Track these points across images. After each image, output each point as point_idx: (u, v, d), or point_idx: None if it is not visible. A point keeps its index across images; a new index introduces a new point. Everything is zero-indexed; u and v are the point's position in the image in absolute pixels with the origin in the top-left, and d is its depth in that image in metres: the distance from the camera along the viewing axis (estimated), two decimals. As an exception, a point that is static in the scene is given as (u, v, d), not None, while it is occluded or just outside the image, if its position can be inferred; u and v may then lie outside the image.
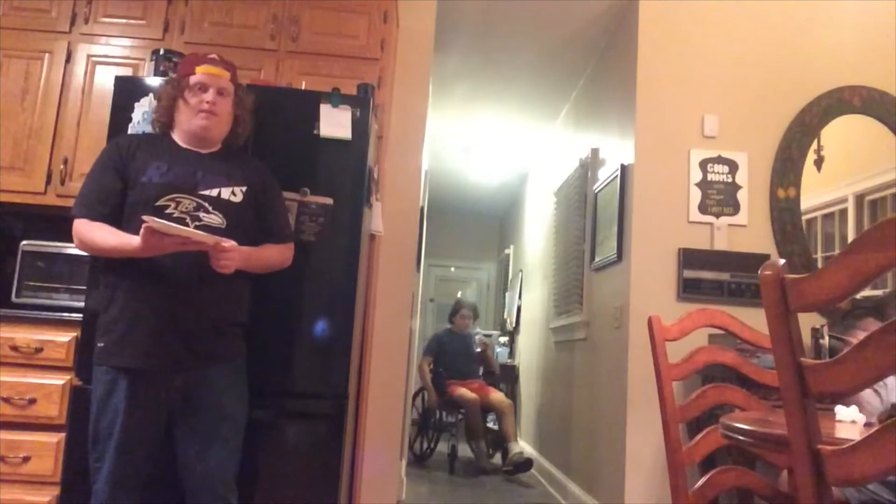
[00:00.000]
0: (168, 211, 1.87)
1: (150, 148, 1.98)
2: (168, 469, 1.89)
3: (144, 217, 1.72)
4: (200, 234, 1.78)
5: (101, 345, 1.87)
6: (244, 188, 2.01)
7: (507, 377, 6.35)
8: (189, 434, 1.88)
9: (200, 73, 1.99)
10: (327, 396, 2.28)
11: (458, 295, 8.96)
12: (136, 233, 1.76)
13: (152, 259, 1.81)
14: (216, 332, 1.93)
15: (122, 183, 1.92)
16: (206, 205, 1.93)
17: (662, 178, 3.19)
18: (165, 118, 2.03)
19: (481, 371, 5.74)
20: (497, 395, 5.35)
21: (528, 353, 5.84)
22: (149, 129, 2.28)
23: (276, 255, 2.08)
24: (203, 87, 1.98)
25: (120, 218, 1.89)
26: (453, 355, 5.53)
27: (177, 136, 2.03)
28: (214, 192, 1.95)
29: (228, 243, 1.83)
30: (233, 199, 1.97)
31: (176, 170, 1.93)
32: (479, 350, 5.66)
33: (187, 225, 1.86)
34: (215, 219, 1.93)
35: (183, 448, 1.88)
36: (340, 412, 2.28)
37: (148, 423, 1.84)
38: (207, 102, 1.96)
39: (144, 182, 1.90)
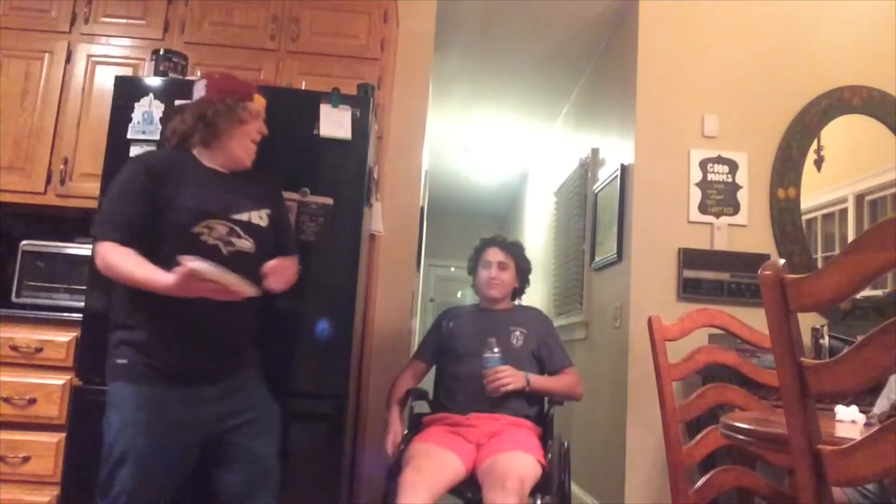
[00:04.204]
0: (203, 238, 1.82)
1: (177, 169, 1.89)
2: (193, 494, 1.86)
3: (182, 258, 1.63)
4: (241, 285, 1.72)
5: (123, 361, 1.79)
6: (268, 211, 1.99)
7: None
8: (228, 462, 1.86)
9: (259, 104, 2.00)
10: (327, 396, 2.28)
11: (458, 295, 8.86)
12: (166, 261, 1.69)
13: None
14: (240, 346, 1.93)
15: (152, 207, 1.82)
16: (238, 230, 1.89)
17: (662, 178, 3.19)
18: (206, 136, 1.92)
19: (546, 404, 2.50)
20: (509, 456, 2.09)
21: (528, 353, 5.82)
22: (149, 128, 2.28)
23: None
24: (258, 116, 2.00)
25: (146, 243, 1.79)
26: (464, 355, 2.46)
27: (203, 156, 1.94)
28: (245, 217, 1.91)
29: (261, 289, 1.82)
30: (260, 223, 1.96)
31: (205, 193, 1.87)
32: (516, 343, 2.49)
33: (220, 251, 1.82)
34: (246, 243, 1.90)
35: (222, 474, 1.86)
36: (340, 412, 2.28)
37: (173, 442, 1.77)
38: (260, 132, 1.99)
39: (178, 206, 1.83)
